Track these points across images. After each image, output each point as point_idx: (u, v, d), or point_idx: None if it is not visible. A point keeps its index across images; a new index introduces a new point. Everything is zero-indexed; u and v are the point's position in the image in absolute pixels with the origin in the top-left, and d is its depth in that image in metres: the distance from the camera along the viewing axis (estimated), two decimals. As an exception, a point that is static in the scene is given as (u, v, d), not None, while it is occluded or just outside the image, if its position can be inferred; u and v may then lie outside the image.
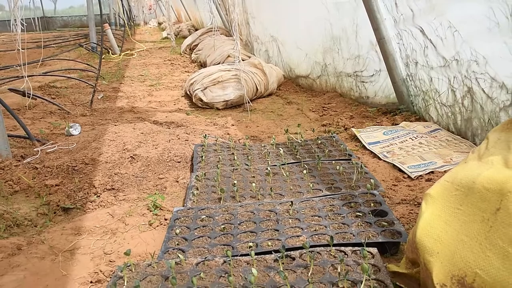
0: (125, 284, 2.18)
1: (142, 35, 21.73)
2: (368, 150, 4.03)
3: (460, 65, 3.74)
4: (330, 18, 5.90)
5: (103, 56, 12.14)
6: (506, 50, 3.15)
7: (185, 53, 12.26)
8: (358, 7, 5.04)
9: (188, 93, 6.57)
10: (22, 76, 5.64)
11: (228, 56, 8.40)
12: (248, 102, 5.77)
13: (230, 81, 6.02)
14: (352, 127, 4.64)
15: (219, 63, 8.05)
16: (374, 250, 2.23)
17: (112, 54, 13.15)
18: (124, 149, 4.21)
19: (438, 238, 1.73)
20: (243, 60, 6.54)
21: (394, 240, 2.33)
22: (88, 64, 10.23)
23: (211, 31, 12.09)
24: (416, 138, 4.03)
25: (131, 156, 4.04)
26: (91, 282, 2.43)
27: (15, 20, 4.48)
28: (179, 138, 4.56)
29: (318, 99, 6.14)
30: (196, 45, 11.52)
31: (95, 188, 3.59)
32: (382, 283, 1.98)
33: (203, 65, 9.50)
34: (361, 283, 1.95)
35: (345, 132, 4.66)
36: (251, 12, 9.12)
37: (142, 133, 4.72)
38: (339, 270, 2.04)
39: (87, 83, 8.05)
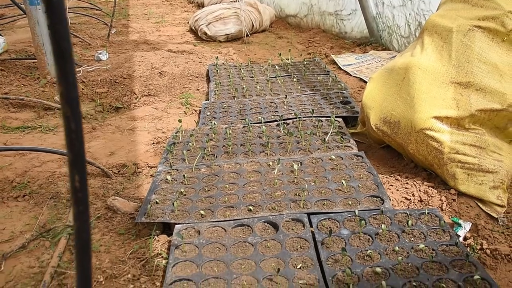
0: (180, 138, 3.42)
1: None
2: (343, 70, 5.25)
3: (413, 4, 4.92)
4: (317, -36, 6.95)
5: (102, -3, 12.91)
6: (442, -8, 4.32)
7: (181, -5, 13.05)
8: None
9: (193, 28, 7.63)
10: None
11: (225, -3, 9.35)
12: (247, 35, 6.90)
13: (230, 18, 7.11)
14: (332, 54, 5.83)
15: (216, 4, 9.03)
16: (340, 119, 3.50)
17: (110, -6, 13.86)
18: (152, 68, 5.36)
19: (374, 99, 2.99)
20: (239, 0, 7.59)
21: (354, 115, 3.61)
22: (91, 3, 11.03)
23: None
24: (379, 61, 5.26)
25: (159, 72, 5.21)
26: (153, 143, 3.65)
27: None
28: (194, 61, 5.72)
29: (304, 35, 7.29)
30: (192, -13, 12.32)
31: (136, 94, 4.75)
32: (344, 133, 3.26)
33: (200, 5, 10.43)
34: (330, 132, 3.23)
35: (326, 58, 5.86)
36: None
37: (163, 57, 5.86)
38: (317, 125, 3.31)
39: (98, 19, 9.00)
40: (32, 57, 5.76)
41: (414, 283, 1.89)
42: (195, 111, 4.23)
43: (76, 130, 0.90)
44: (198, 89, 4.83)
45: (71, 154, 0.92)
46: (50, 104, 4.49)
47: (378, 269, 1.96)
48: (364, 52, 5.79)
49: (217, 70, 5.05)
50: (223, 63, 5.48)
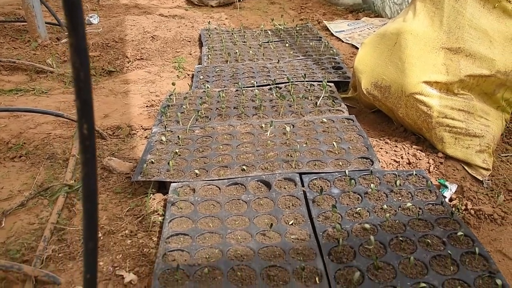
0: (174, 101, 3.45)
1: None
2: (335, 36, 5.26)
3: (407, -31, 4.91)
4: None
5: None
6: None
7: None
8: None
9: (185, -8, 7.53)
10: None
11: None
12: (239, 0, 6.84)
13: (223, -18, 7.03)
14: (324, 21, 5.83)
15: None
16: (331, 84, 3.55)
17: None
18: (144, 32, 5.32)
19: (365, 64, 3.03)
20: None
21: (345, 80, 3.66)
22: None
23: None
24: (372, 28, 5.27)
25: (151, 37, 5.18)
26: (146, 106, 3.68)
27: None
28: (186, 26, 5.68)
29: (297, 0, 7.25)
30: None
31: (128, 58, 4.74)
32: (335, 98, 3.32)
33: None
34: (321, 96, 3.28)
35: (318, 25, 5.85)
36: None
37: (154, 21, 5.81)
38: (309, 89, 3.36)
39: (88, -18, 8.81)
40: (22, 20, 5.67)
41: (400, 238, 1.99)
42: (188, 75, 4.24)
43: (84, 79, 0.95)
44: (190, 54, 4.82)
45: (80, 102, 0.97)
46: (42, 67, 4.46)
47: (367, 225, 2.05)
48: (356, 19, 5.79)
49: (209, 35, 5.04)
50: (216, 28, 5.46)
